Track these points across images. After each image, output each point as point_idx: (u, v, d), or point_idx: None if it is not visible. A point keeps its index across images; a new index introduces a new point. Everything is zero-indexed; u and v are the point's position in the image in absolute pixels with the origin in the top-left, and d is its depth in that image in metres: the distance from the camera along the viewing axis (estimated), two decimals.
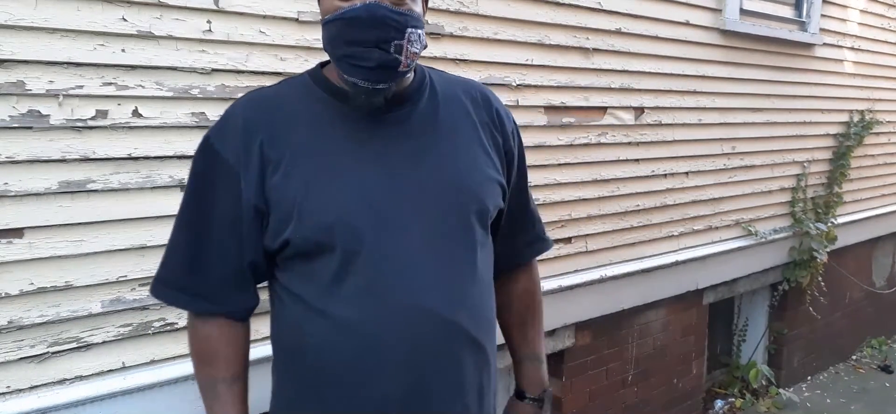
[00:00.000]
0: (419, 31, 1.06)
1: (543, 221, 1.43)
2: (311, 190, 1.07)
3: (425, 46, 1.09)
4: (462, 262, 1.13)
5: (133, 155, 1.68)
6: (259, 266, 1.14)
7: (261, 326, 1.50)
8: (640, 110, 2.98)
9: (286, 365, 1.17)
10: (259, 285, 1.20)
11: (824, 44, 3.88)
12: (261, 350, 1.49)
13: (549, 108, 2.63)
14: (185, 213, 1.15)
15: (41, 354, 1.62)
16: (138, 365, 1.75)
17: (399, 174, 1.10)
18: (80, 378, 1.68)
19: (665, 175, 3.15)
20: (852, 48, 4.17)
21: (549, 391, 1.39)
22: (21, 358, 1.60)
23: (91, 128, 1.63)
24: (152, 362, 1.77)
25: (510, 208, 1.29)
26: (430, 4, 2.21)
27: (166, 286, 1.16)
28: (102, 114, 1.63)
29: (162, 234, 1.67)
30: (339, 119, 1.11)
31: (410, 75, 1.15)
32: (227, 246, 1.11)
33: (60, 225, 1.61)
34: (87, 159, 1.63)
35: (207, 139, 1.13)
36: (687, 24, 3.10)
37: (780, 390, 4.05)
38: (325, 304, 1.08)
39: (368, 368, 1.08)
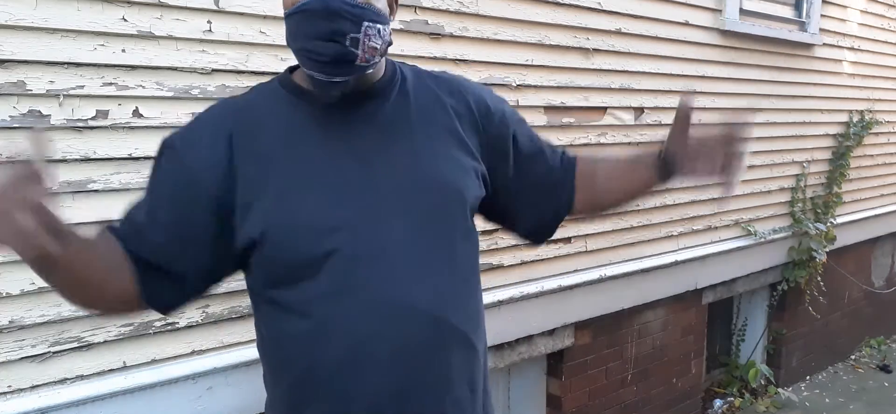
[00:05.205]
0: (379, 25, 1.03)
1: None
2: (286, 195, 1.05)
3: (389, 43, 1.07)
4: (445, 256, 1.12)
5: (134, 155, 1.69)
6: (209, 269, 1.10)
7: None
8: (639, 110, 2.99)
9: (275, 376, 1.15)
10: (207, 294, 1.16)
11: (824, 44, 3.88)
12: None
13: (549, 109, 2.64)
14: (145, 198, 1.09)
15: (42, 354, 1.63)
16: (139, 364, 1.75)
17: (374, 171, 1.09)
18: (82, 377, 1.68)
19: None
20: (852, 48, 4.17)
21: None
22: (22, 357, 1.60)
23: (92, 128, 1.63)
24: (153, 362, 1.77)
25: (542, 170, 1.29)
26: (430, 5, 2.24)
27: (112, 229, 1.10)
28: (103, 114, 1.64)
29: None
30: (309, 120, 1.10)
31: (377, 70, 1.13)
32: (173, 234, 1.06)
33: None
34: (87, 159, 1.63)
35: (171, 144, 1.09)
36: (687, 24, 3.11)
37: (779, 390, 4.06)
38: (309, 306, 1.07)
39: (356, 367, 1.07)
